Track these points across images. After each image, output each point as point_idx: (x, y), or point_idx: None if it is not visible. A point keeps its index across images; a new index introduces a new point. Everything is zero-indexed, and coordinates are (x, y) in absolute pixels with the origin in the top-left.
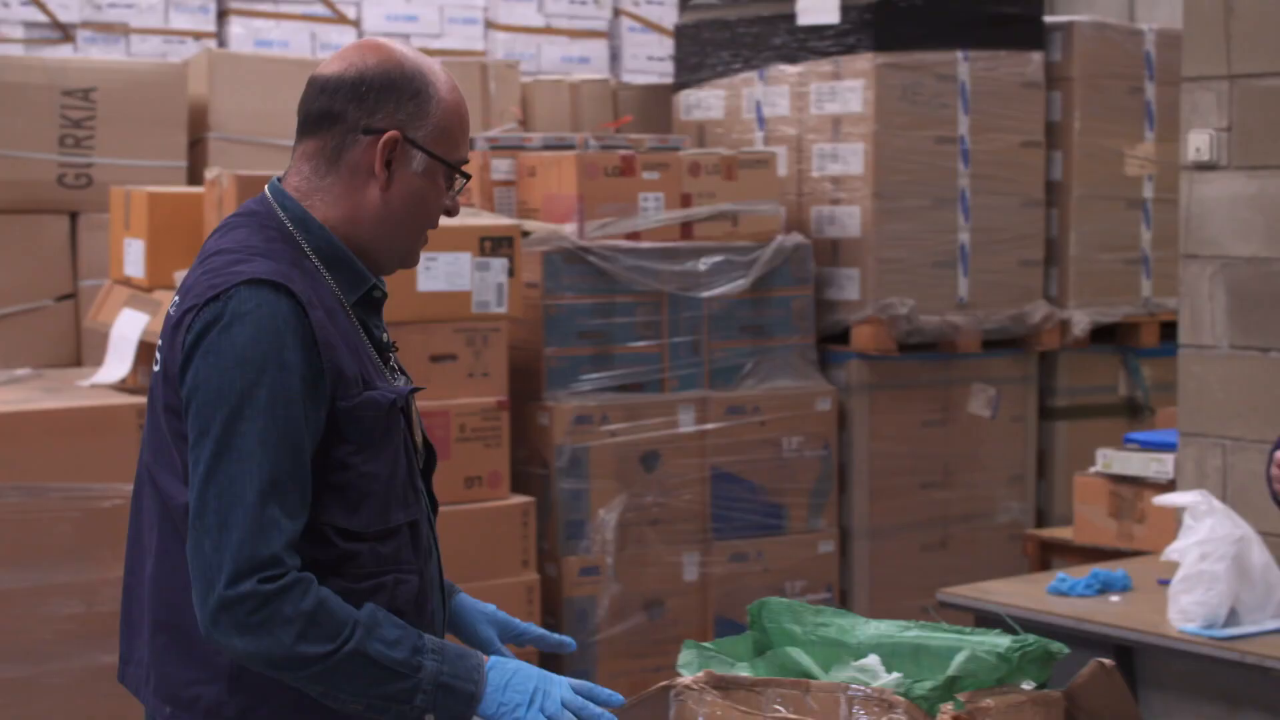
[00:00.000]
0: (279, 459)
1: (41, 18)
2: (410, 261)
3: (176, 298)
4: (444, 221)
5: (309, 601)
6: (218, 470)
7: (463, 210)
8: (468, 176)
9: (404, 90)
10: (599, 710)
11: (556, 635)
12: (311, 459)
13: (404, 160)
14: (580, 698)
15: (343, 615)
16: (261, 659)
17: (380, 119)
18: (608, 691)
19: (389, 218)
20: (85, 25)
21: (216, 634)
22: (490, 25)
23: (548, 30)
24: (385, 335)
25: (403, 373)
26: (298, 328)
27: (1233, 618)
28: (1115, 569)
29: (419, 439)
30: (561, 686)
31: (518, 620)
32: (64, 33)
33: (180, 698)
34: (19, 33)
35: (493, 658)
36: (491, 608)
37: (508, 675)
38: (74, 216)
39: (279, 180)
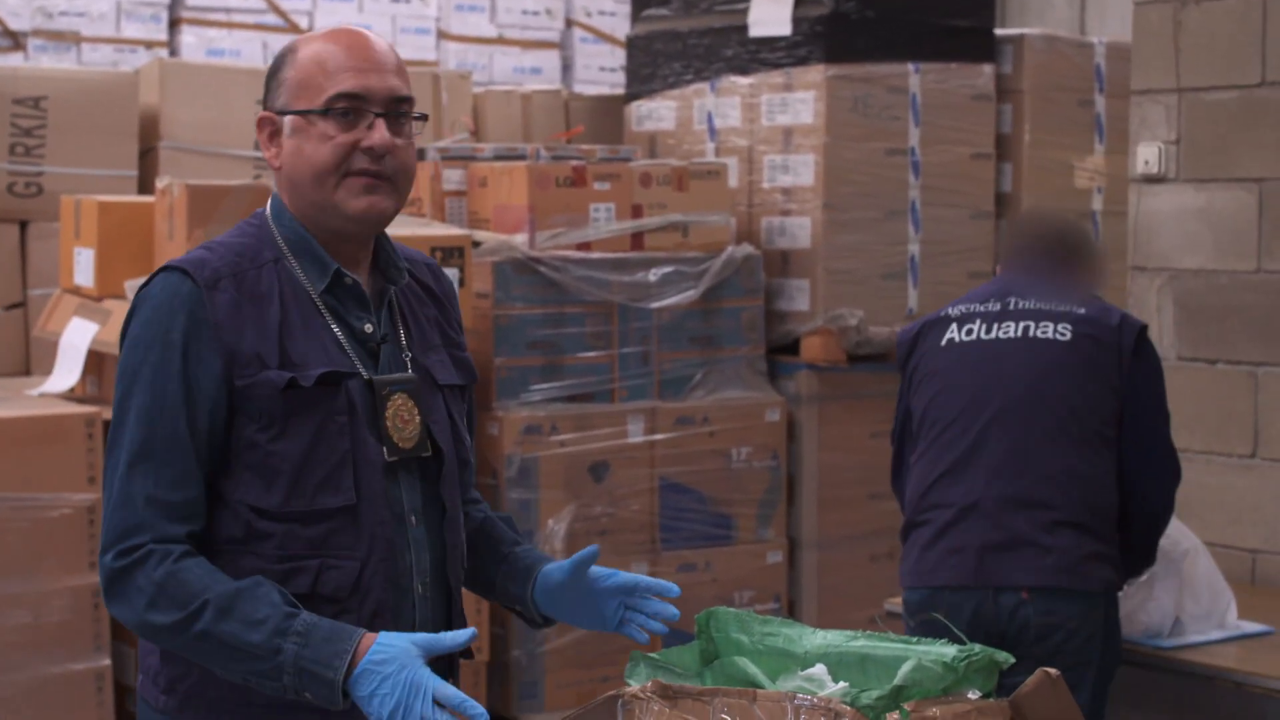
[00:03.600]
0: (152, 433)
1: None
2: (347, 208)
3: None
4: (395, 232)
5: (161, 571)
6: (111, 444)
7: (413, 220)
8: (328, 110)
9: (270, 74)
10: None
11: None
12: (225, 436)
13: (280, 132)
14: (442, 713)
15: (195, 587)
16: (128, 624)
17: (264, 111)
18: (473, 703)
19: (291, 186)
20: (36, 34)
21: (104, 598)
22: (443, 35)
23: (500, 41)
24: (369, 326)
25: (420, 365)
26: (193, 309)
27: (1178, 628)
28: None
29: (401, 432)
30: (425, 704)
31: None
32: (14, 41)
33: (143, 664)
34: None
35: (377, 649)
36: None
37: (374, 684)
38: (23, 225)
39: None
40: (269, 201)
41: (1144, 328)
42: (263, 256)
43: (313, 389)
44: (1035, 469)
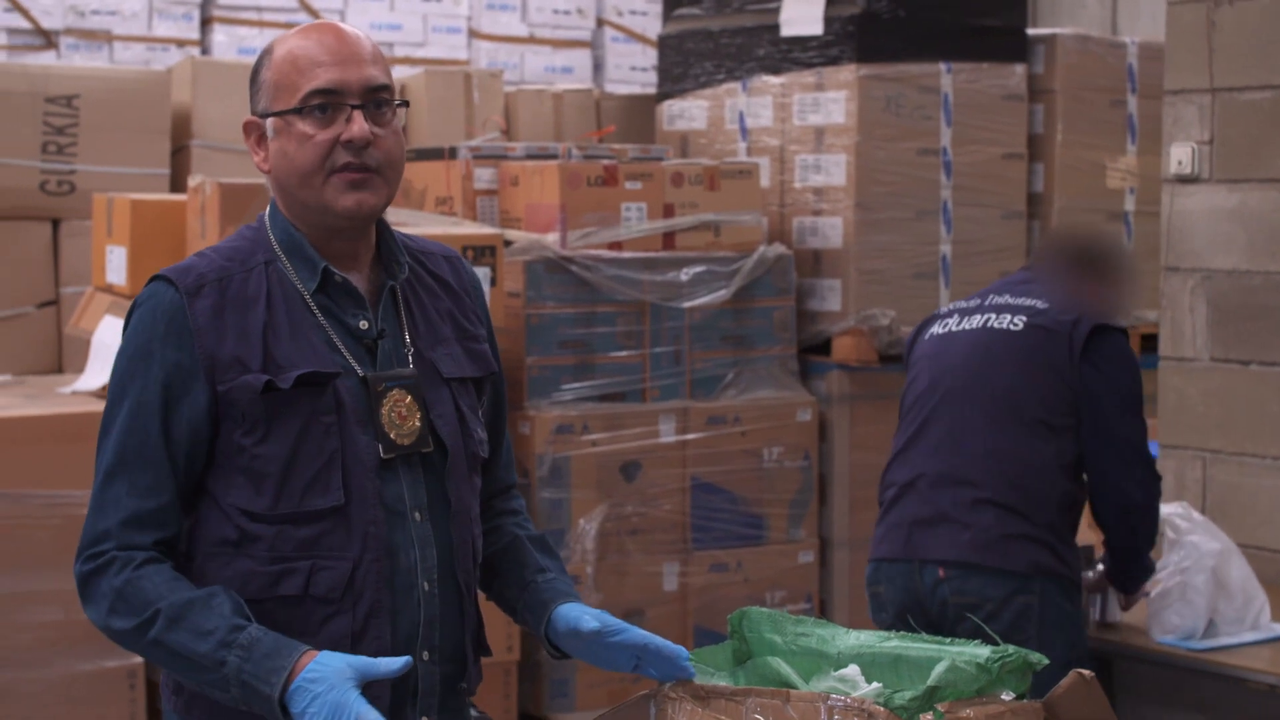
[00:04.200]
0: (129, 442)
1: (24, 24)
2: (335, 206)
3: None
4: (427, 231)
5: (120, 578)
6: (97, 451)
7: (445, 219)
8: (301, 109)
9: (252, 79)
10: None
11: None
12: (211, 442)
13: (265, 136)
14: None
15: (150, 595)
16: (98, 628)
17: (249, 115)
18: None
19: (280, 188)
20: (68, 32)
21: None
22: (474, 35)
23: (531, 40)
24: (364, 322)
25: (424, 359)
26: (174, 317)
27: (1211, 630)
28: None
29: (398, 428)
30: None
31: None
32: (47, 39)
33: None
34: (1, 39)
35: (312, 668)
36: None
37: (305, 702)
38: (56, 223)
39: None
40: (267, 208)
41: (1102, 327)
42: (254, 260)
43: (293, 390)
44: (965, 449)
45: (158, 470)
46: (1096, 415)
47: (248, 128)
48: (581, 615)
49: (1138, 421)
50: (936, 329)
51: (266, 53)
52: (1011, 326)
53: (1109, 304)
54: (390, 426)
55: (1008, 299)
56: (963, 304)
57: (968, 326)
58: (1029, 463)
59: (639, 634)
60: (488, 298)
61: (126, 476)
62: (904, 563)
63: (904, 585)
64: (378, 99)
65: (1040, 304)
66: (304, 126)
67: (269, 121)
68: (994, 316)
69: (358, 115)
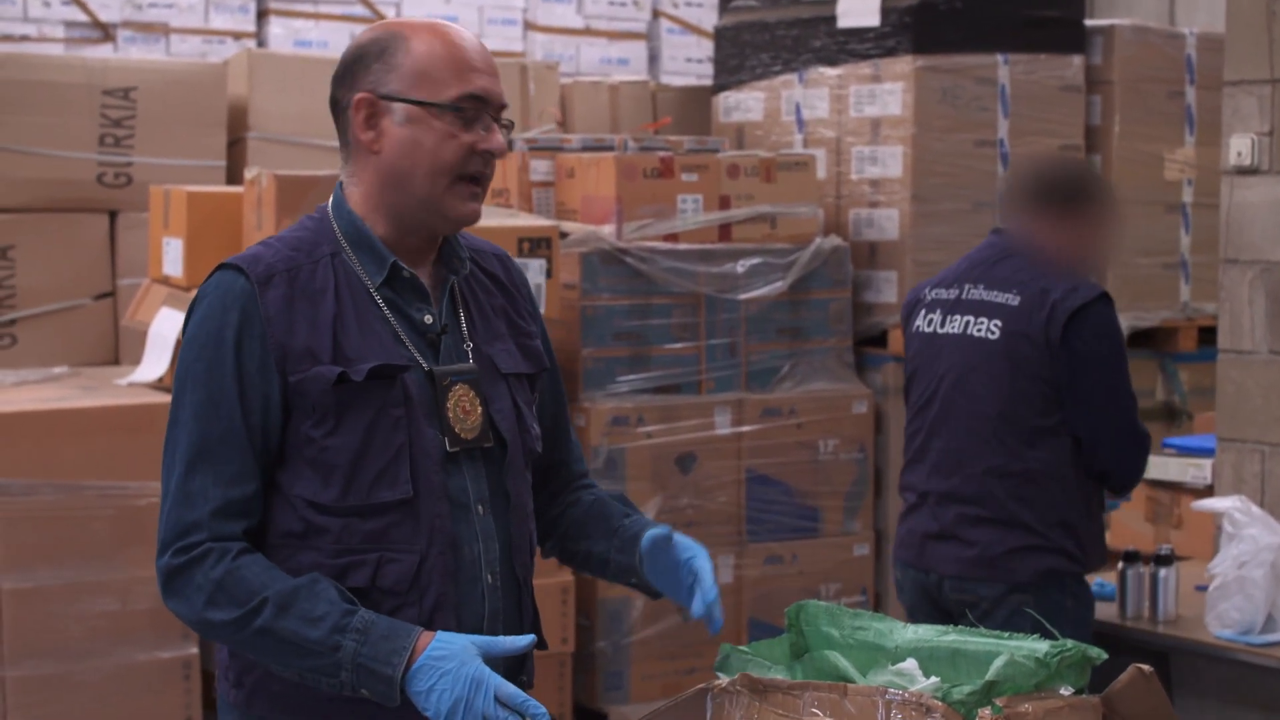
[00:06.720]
0: (209, 429)
1: (82, 17)
2: (452, 211)
3: None
4: (483, 223)
5: (220, 569)
6: (167, 441)
7: (501, 211)
8: (459, 109)
9: (371, 55)
10: None
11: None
12: (281, 432)
13: (385, 117)
14: (504, 710)
15: (254, 585)
16: (186, 621)
17: (355, 89)
18: (535, 704)
19: (391, 176)
20: (125, 25)
21: (161, 595)
22: (530, 26)
23: (587, 32)
24: (429, 317)
25: (483, 355)
26: (245, 305)
27: (1270, 624)
28: None
29: (463, 422)
30: (487, 701)
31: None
32: (104, 32)
33: (217, 658)
34: (59, 32)
35: (437, 646)
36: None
37: (433, 680)
38: (113, 215)
39: None
40: (330, 199)
41: (1081, 306)
42: (320, 251)
43: (365, 383)
44: (964, 468)
45: (242, 459)
46: (1077, 384)
47: (360, 104)
48: (664, 528)
49: (1118, 378)
50: (921, 324)
51: (398, 37)
52: (989, 335)
53: (1087, 245)
54: (455, 421)
55: (982, 293)
56: (943, 293)
57: (951, 330)
58: (1030, 473)
59: (705, 566)
60: (544, 290)
61: (210, 466)
62: (915, 569)
63: (919, 587)
64: (501, 117)
65: (1013, 299)
66: (448, 125)
67: (399, 106)
68: (972, 320)
69: (496, 128)
